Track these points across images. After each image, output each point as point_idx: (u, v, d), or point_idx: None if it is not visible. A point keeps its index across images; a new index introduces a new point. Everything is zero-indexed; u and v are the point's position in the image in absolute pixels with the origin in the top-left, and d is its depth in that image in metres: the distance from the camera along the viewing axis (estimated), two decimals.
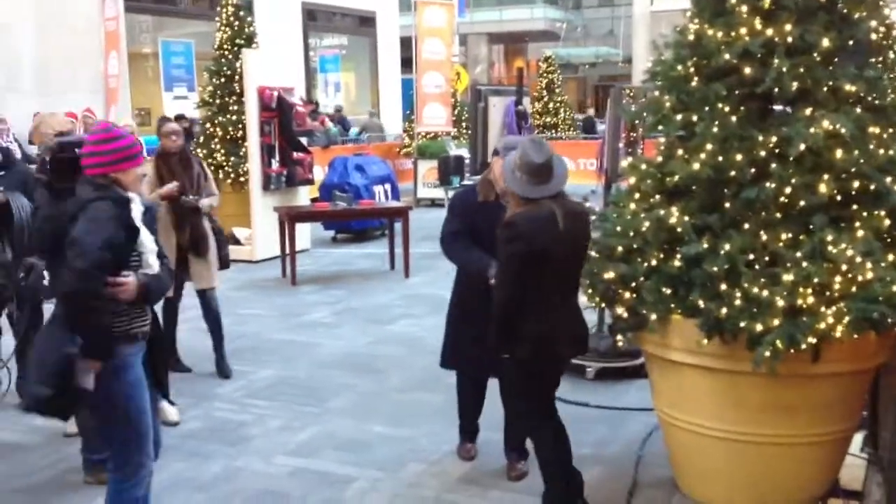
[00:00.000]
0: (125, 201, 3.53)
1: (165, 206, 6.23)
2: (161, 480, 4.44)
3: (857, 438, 4.49)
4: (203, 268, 6.46)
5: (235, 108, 12.01)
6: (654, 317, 4.11)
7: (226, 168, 11.76)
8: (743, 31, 4.11)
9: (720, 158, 4.05)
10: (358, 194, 11.87)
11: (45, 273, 4.49)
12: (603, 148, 6.83)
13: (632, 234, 4.28)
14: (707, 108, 4.18)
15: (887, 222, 3.97)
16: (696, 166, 4.08)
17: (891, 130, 4.17)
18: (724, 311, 3.85)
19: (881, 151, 4.04)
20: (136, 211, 3.60)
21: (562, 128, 23.55)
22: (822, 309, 3.75)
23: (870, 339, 3.83)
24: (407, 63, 21.58)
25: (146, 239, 3.63)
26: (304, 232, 11.77)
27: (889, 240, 3.99)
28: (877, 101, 4.17)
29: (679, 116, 4.24)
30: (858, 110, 4.01)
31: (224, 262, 6.65)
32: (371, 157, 14.09)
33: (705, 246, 3.96)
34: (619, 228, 4.37)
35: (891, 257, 3.87)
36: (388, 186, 12.87)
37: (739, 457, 4.15)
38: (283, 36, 18.92)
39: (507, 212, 4.12)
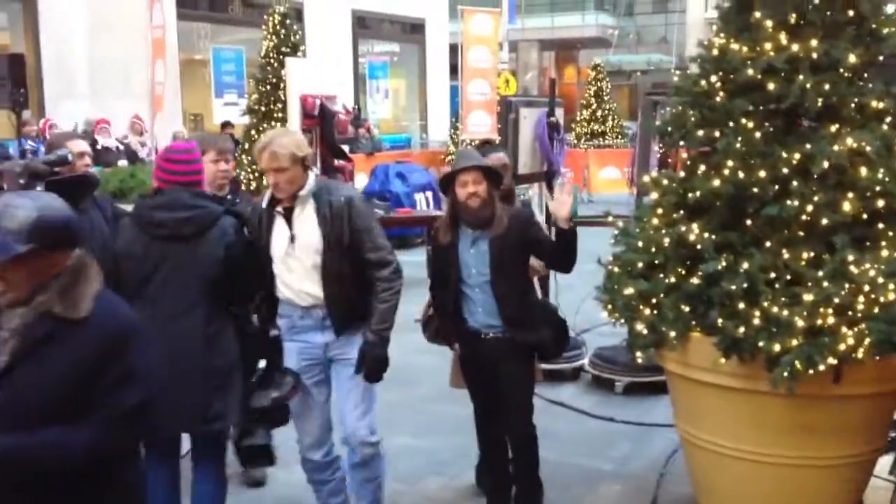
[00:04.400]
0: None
1: None
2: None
3: (884, 461, 4.39)
4: None
5: (281, 115, 12.12)
6: (673, 334, 4.06)
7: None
8: (768, 46, 4.04)
9: (742, 175, 3.99)
10: (398, 202, 11.91)
11: None
12: (634, 158, 6.78)
13: (653, 249, 4.24)
14: (730, 124, 4.12)
15: None
16: (717, 182, 4.02)
17: None
18: (741, 330, 3.79)
19: None
20: None
21: (610, 136, 23.33)
22: (843, 330, 3.66)
23: (893, 362, 3.73)
24: (456, 70, 21.61)
25: None
26: None
27: None
28: None
29: (701, 132, 4.18)
30: (885, 127, 3.91)
31: None
32: (413, 165, 14.15)
33: (724, 264, 3.90)
34: (640, 244, 4.33)
35: None
36: (429, 194, 12.90)
37: (759, 478, 4.08)
38: (332, 43, 19.08)
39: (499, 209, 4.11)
